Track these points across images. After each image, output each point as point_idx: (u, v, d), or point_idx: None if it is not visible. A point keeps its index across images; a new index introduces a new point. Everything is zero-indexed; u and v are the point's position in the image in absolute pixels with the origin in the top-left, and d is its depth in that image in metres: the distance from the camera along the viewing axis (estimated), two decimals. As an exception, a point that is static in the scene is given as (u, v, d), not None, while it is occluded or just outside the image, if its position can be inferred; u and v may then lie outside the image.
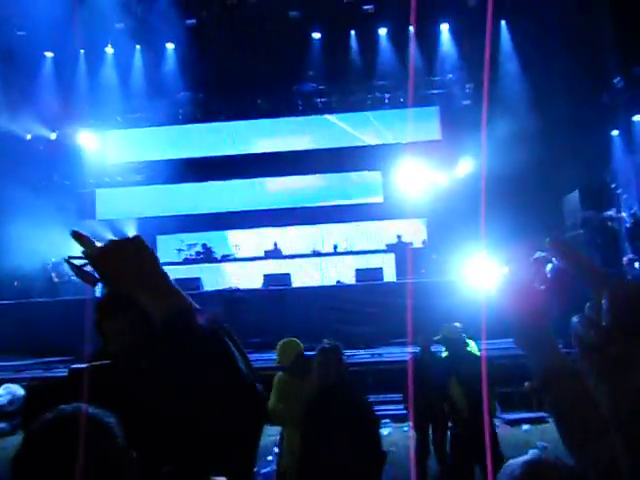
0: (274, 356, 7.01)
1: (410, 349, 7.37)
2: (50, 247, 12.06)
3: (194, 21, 13.97)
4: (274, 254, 13.61)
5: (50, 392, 1.72)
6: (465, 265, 11.70)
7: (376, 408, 6.43)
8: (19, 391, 7.50)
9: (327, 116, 15.82)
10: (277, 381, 4.04)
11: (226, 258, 13.97)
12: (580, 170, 12.09)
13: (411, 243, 14.06)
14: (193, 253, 14.06)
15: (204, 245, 14.03)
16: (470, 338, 6.85)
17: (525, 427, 6.74)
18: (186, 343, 0.88)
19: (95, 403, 1.15)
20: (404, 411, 5.73)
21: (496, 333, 7.93)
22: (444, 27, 14.60)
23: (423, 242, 13.70)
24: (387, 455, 3.03)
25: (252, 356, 7.24)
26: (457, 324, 6.76)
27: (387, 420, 7.06)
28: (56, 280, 12.02)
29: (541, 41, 12.76)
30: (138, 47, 14.72)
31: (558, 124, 12.57)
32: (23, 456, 1.04)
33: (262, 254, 13.84)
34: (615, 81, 12.33)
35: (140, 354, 1.84)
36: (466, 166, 14.56)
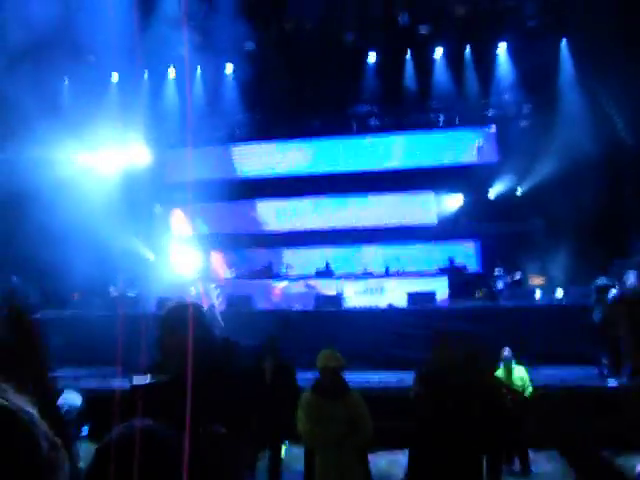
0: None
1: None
2: (110, 262, 12.50)
3: (253, 44, 14.33)
4: (326, 274, 13.59)
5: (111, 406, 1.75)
6: (520, 289, 11.39)
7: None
8: (77, 401, 7.70)
9: (381, 137, 15.83)
10: (306, 402, 3.85)
11: (278, 276, 14.06)
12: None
13: (465, 266, 13.77)
14: (245, 270, 14.23)
15: (269, 263, 14.15)
16: (520, 364, 6.61)
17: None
18: None
19: (153, 419, 1.16)
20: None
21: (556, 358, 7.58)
22: (501, 46, 14.40)
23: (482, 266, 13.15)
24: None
25: (304, 374, 7.20)
26: (507, 351, 6.54)
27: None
28: (114, 294, 12.38)
29: (604, 60, 12.38)
30: (199, 69, 15.23)
31: (623, 145, 12.11)
32: (95, 470, 1.04)
33: (313, 273, 13.87)
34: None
35: (199, 373, 1.85)
36: (522, 188, 14.23)
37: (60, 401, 7.68)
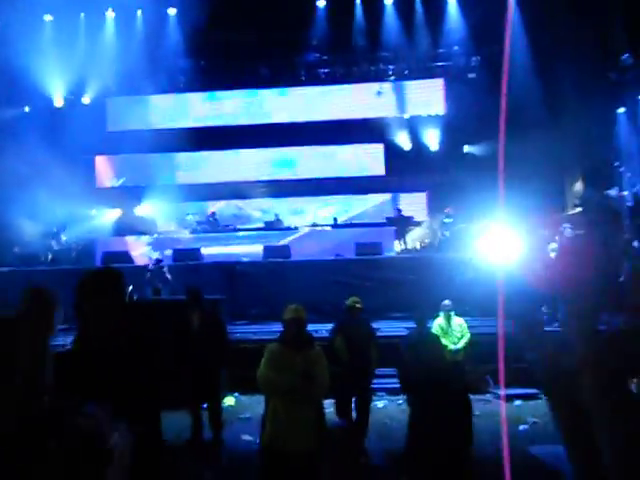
0: (272, 327, 7.08)
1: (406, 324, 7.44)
2: (50, 215, 12.09)
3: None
4: (275, 226, 13.61)
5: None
6: (470, 241, 11.73)
7: (372, 382, 6.53)
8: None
9: (330, 87, 15.61)
10: (269, 350, 3.96)
11: (227, 228, 13.95)
12: (585, 148, 11.98)
13: (412, 217, 14.04)
14: (194, 223, 14.00)
15: (212, 214, 13.98)
16: (459, 315, 6.94)
17: (517, 402, 6.84)
18: None
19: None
20: (398, 384, 5.81)
21: (491, 311, 7.92)
22: (451, -3, 14.29)
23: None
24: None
25: (250, 327, 7.29)
26: (447, 301, 6.87)
27: (382, 393, 7.17)
28: (56, 248, 12.05)
29: (550, 17, 12.51)
30: (139, 12, 14.45)
31: (564, 102, 12.43)
32: None
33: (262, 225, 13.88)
34: (623, 58, 12.13)
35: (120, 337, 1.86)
36: (469, 141, 14.48)
37: None
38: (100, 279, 1.93)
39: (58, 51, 13.41)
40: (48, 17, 13.95)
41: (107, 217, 14.32)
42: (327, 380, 3.84)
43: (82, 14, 14.14)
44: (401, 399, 6.68)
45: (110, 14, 14.39)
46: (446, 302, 6.84)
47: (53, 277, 9.39)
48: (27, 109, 14.10)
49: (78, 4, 13.28)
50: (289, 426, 3.72)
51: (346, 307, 5.75)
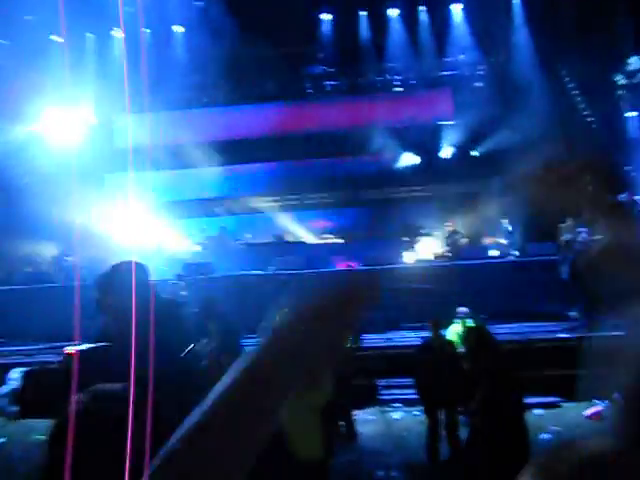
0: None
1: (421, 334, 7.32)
2: (61, 232, 12.10)
3: (202, 3, 13.81)
4: (283, 240, 13.54)
5: (46, 377, 1.69)
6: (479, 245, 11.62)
7: (387, 392, 6.40)
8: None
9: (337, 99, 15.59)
10: None
11: (237, 243, 13.87)
12: (595, 154, 11.87)
13: (421, 226, 13.88)
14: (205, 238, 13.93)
15: (222, 228, 13.87)
16: (477, 322, 6.76)
17: (538, 412, 6.66)
18: None
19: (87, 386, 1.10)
20: (415, 395, 5.69)
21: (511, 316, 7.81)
22: (456, 7, 14.33)
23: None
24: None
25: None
26: (463, 308, 6.73)
27: (398, 404, 7.04)
28: (67, 264, 12.00)
29: (555, 20, 12.49)
30: (146, 30, 14.59)
31: (572, 105, 12.36)
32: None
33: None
34: (630, 61, 12.06)
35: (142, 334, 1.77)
36: (478, 149, 14.41)
37: (14, 376, 7.54)
38: (120, 272, 1.85)
39: (65, 70, 13.55)
40: (56, 38, 14.11)
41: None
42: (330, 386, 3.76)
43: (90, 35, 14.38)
44: (417, 410, 6.54)
45: (116, 32, 14.55)
46: (462, 309, 6.70)
47: (64, 293, 9.35)
48: (37, 125, 14.22)
49: (85, 25, 13.47)
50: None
51: None
